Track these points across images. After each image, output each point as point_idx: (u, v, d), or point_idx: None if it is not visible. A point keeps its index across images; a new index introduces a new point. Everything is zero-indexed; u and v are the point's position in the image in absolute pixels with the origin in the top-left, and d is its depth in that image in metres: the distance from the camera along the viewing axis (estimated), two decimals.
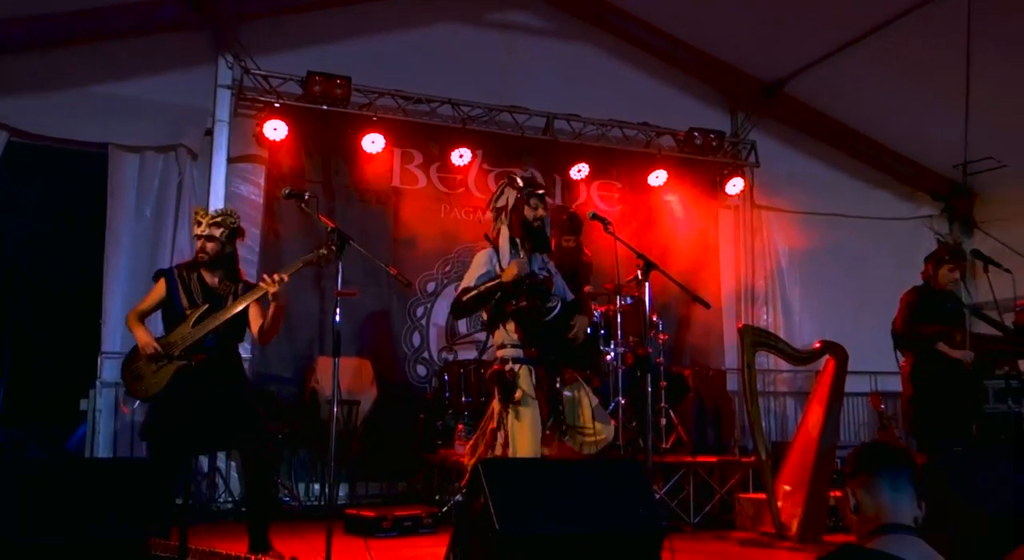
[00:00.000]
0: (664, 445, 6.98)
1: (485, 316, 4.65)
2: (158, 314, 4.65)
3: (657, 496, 6.34)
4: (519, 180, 4.65)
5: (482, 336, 8.11)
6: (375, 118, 7.57)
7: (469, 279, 4.53)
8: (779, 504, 5.73)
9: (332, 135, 7.70)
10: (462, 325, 8.10)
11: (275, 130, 7.26)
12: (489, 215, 4.82)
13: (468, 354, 8.00)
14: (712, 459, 6.95)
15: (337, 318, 3.98)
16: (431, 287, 8.02)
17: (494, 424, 4.37)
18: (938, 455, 5.14)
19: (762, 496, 5.99)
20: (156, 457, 4.54)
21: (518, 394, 4.23)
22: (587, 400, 4.46)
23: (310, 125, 7.57)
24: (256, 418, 4.68)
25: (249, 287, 4.66)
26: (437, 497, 6.62)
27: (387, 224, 7.85)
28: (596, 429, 4.42)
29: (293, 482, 7.07)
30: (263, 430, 4.77)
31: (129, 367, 4.49)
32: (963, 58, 7.10)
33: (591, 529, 3.14)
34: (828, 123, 9.29)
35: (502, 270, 4.45)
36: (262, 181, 7.52)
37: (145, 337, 4.46)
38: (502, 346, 4.48)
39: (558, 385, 4.40)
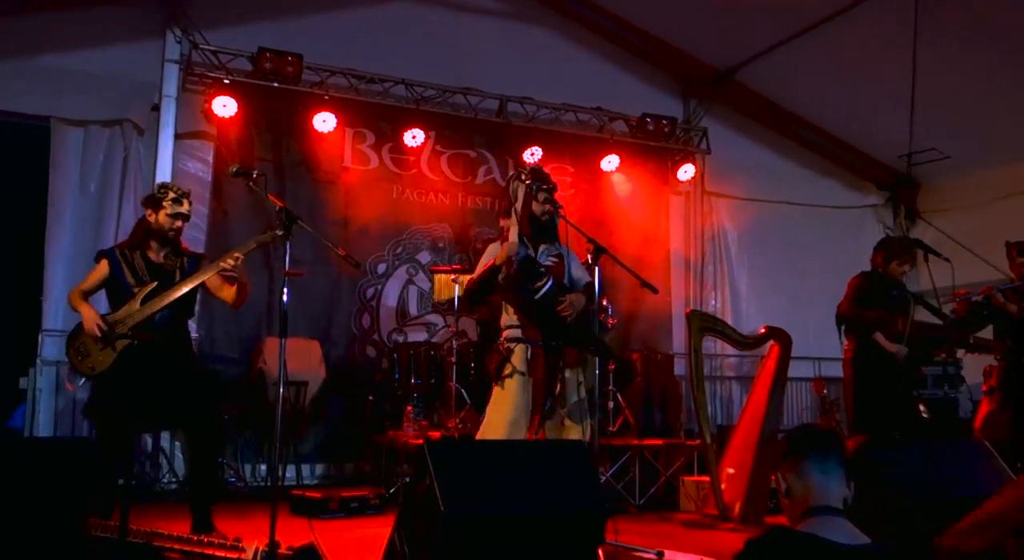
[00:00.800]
0: (611, 428, 7.06)
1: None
2: (102, 293, 4.60)
3: (603, 478, 6.41)
4: (527, 175, 4.69)
5: (433, 318, 8.12)
6: (327, 97, 7.48)
7: (477, 269, 4.64)
8: (722, 486, 5.83)
9: (283, 113, 7.59)
10: (412, 306, 8.09)
11: (224, 107, 7.14)
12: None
13: (419, 336, 7.99)
14: (658, 442, 7.04)
15: (285, 298, 3.93)
16: (382, 268, 7.98)
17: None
18: (872, 439, 5.26)
19: (706, 478, 6.10)
20: (100, 435, 4.48)
21: (507, 369, 4.28)
22: (573, 389, 4.49)
23: (260, 102, 7.46)
24: (204, 397, 4.65)
25: (196, 259, 4.68)
26: (385, 478, 6.62)
27: (338, 204, 7.77)
28: (574, 425, 4.48)
29: (239, 463, 7.00)
30: (210, 410, 4.74)
31: (74, 343, 4.44)
32: (910, 51, 7.24)
33: (535, 510, 3.16)
34: (778, 111, 9.40)
35: None
36: (210, 158, 7.40)
37: (90, 314, 4.41)
38: (506, 328, 4.56)
39: (560, 365, 4.43)
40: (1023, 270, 6.06)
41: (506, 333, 4.55)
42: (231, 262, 4.37)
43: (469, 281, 4.66)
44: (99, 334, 4.35)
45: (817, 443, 2.20)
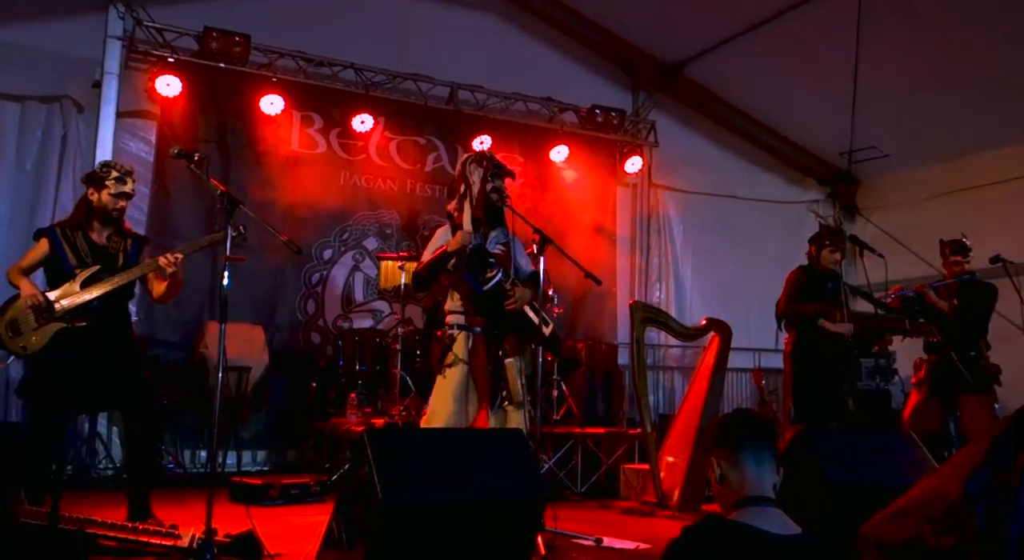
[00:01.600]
0: (555, 416, 7.12)
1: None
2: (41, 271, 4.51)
3: (546, 466, 6.48)
4: (486, 159, 4.69)
5: (379, 305, 8.10)
6: (275, 79, 7.39)
7: (427, 254, 4.60)
8: (661, 474, 5.93)
9: (229, 94, 7.48)
10: (358, 293, 8.05)
11: (168, 86, 7.01)
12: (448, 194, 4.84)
13: (364, 322, 7.96)
14: (600, 431, 7.12)
15: (225, 282, 3.89)
16: (327, 254, 7.92)
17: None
18: (807, 429, 5.39)
19: (646, 467, 6.19)
20: (32, 418, 4.40)
21: (449, 357, 4.29)
22: (513, 378, 4.52)
23: (206, 83, 7.34)
24: (142, 381, 4.58)
25: (140, 242, 4.60)
26: (327, 465, 6.60)
27: (284, 189, 7.68)
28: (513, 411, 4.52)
29: (178, 449, 6.92)
30: (149, 394, 4.68)
31: (3, 318, 4.32)
32: (852, 50, 7.38)
33: (473, 497, 3.19)
34: (724, 106, 9.52)
35: None
36: (153, 138, 7.27)
37: (30, 288, 4.33)
38: (449, 313, 4.54)
39: (501, 354, 4.44)
40: (955, 268, 6.25)
41: (449, 318, 4.54)
42: (172, 262, 4.31)
43: (419, 265, 4.63)
44: (35, 305, 4.26)
45: (753, 435, 2.22)
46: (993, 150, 8.29)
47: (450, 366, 4.30)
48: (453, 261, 4.45)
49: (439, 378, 4.35)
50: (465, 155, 4.82)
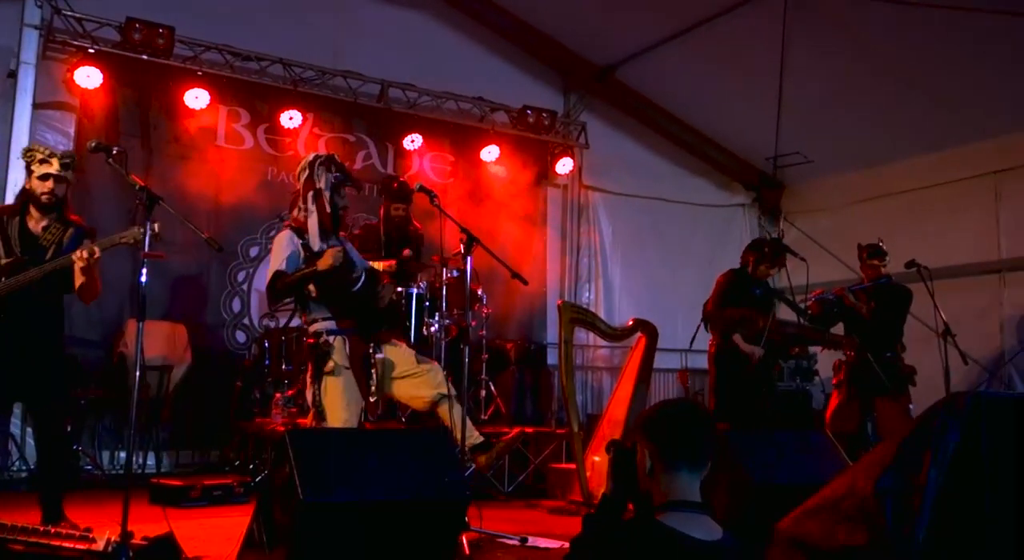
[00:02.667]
0: (483, 416, 7.11)
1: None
2: None
3: (473, 465, 6.46)
4: (334, 165, 4.61)
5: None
6: (200, 72, 7.24)
7: (277, 262, 4.45)
8: (588, 474, 5.98)
9: (152, 87, 7.31)
10: None
11: (88, 77, 6.81)
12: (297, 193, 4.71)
13: (291, 322, 7.84)
14: (528, 430, 7.13)
15: (143, 279, 3.79)
16: (254, 252, 7.79)
17: (310, 397, 4.36)
18: (728, 430, 5.50)
19: (573, 466, 6.23)
20: None
21: (329, 365, 4.22)
22: (402, 351, 4.50)
23: (128, 75, 7.15)
24: (58, 377, 4.40)
25: (79, 234, 4.37)
26: (252, 466, 6.49)
27: (209, 185, 7.52)
28: (425, 369, 4.50)
29: (96, 450, 6.74)
30: (62, 391, 4.50)
31: None
32: (778, 58, 7.54)
33: (395, 496, 3.17)
34: (655, 110, 9.63)
35: (308, 252, 4.42)
36: (71, 130, 7.05)
37: None
38: (314, 321, 4.45)
39: (371, 350, 4.41)
40: (872, 272, 6.45)
41: (318, 325, 4.44)
42: (85, 257, 4.09)
43: (273, 275, 4.47)
44: None
45: (694, 453, 2.17)
46: (911, 157, 8.54)
47: (331, 374, 4.25)
48: (323, 280, 4.37)
49: (323, 388, 4.28)
50: (312, 156, 4.67)
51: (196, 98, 7.23)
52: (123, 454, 6.79)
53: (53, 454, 4.42)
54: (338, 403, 4.21)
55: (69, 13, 6.83)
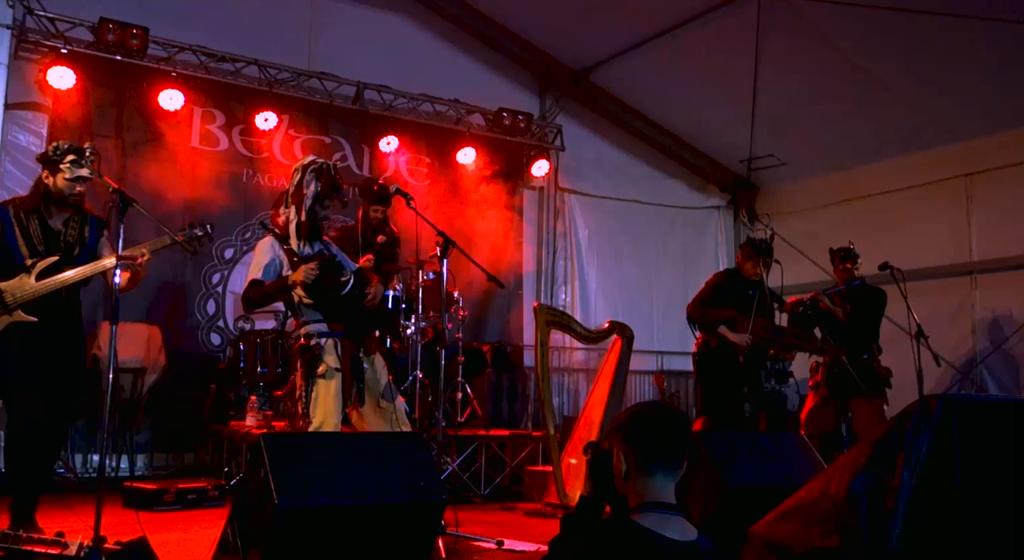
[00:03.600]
0: (459, 419, 7.11)
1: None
2: None
3: (450, 469, 6.46)
4: (324, 174, 4.54)
5: (282, 306, 7.91)
6: (174, 73, 7.19)
7: (255, 271, 4.41)
8: (564, 476, 5.99)
9: (126, 88, 7.24)
10: None
11: (61, 78, 6.75)
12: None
13: (266, 324, 7.78)
14: (505, 433, 7.15)
15: (117, 280, 3.76)
16: (229, 253, 7.74)
17: (298, 399, 4.33)
18: (702, 431, 5.55)
19: (549, 469, 6.24)
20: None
21: (321, 368, 4.21)
22: (380, 373, 4.48)
23: (101, 75, 7.09)
24: (80, 379, 4.34)
25: (99, 225, 4.34)
26: (226, 469, 6.45)
27: (184, 186, 7.47)
28: (390, 406, 4.47)
29: (69, 454, 6.65)
30: (80, 394, 4.43)
31: None
32: (752, 62, 7.59)
33: (370, 500, 3.16)
34: (630, 113, 9.67)
35: (292, 256, 4.40)
36: (44, 131, 6.97)
37: None
38: (305, 323, 4.42)
39: (361, 355, 4.40)
40: (845, 275, 6.51)
41: (308, 327, 4.40)
42: (139, 259, 4.10)
43: (249, 283, 4.44)
44: None
45: (668, 456, 2.18)
46: (882, 160, 8.62)
47: (324, 377, 4.24)
48: (299, 289, 4.35)
49: (314, 390, 4.26)
50: (309, 160, 4.60)
51: (171, 99, 7.18)
52: (96, 457, 6.72)
53: (49, 455, 4.35)
54: (329, 406, 4.18)
55: (42, 13, 6.76)
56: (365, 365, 4.40)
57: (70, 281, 4.15)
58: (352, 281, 4.43)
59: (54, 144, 4.34)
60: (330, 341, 4.30)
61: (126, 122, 7.31)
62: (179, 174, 7.46)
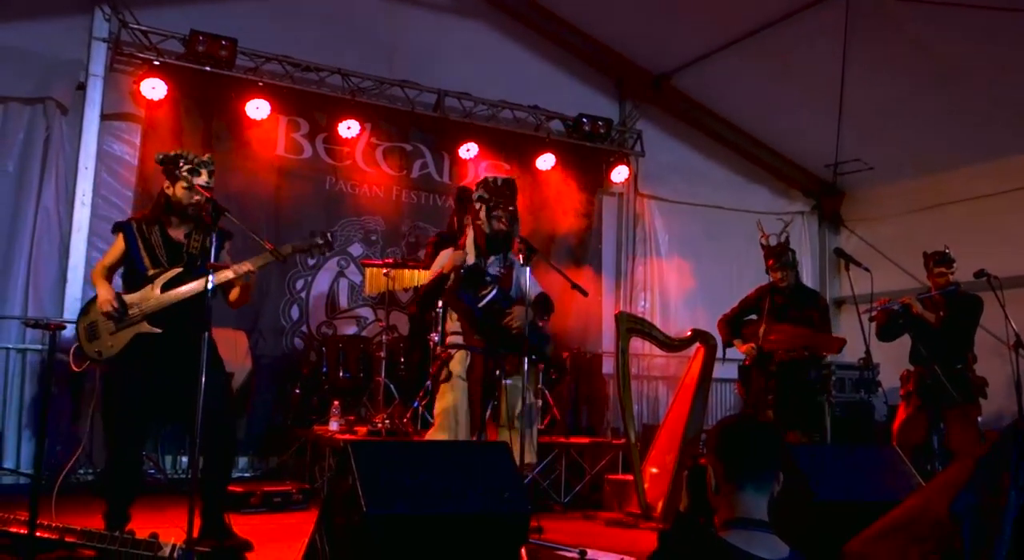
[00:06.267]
0: (540, 426, 7.08)
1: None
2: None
3: (529, 476, 6.45)
4: (489, 192, 4.83)
5: (363, 311, 8.06)
6: (261, 83, 7.35)
7: (430, 275, 4.72)
8: (645, 485, 5.91)
9: (215, 98, 7.43)
10: (343, 299, 8.01)
11: (153, 89, 6.96)
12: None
13: (348, 329, 7.92)
14: (584, 440, 7.10)
15: (210, 286, 3.84)
16: (312, 260, 7.88)
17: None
18: (792, 444, 5.43)
19: (630, 477, 6.17)
20: (114, 428, 4.26)
21: (444, 373, 4.28)
22: (516, 396, 4.51)
23: (191, 86, 7.29)
24: (219, 390, 4.25)
25: (221, 237, 4.33)
26: (309, 473, 6.55)
27: (269, 194, 7.65)
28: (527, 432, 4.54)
29: (160, 455, 6.85)
30: (224, 404, 4.39)
31: (83, 322, 4.19)
32: (839, 64, 7.42)
33: (458, 510, 3.17)
34: (711, 117, 9.55)
35: (467, 269, 4.67)
36: (137, 141, 7.21)
37: (105, 293, 4.16)
38: (450, 334, 4.60)
39: (497, 373, 4.44)
40: (939, 280, 6.29)
41: (449, 338, 4.59)
42: (252, 269, 4.22)
43: (422, 288, 4.73)
44: (110, 312, 4.10)
45: (757, 472, 2.13)
46: (975, 164, 8.36)
47: (446, 381, 4.30)
48: (448, 282, 4.47)
49: (439, 394, 4.36)
50: (482, 180, 5.00)
51: (257, 108, 7.35)
52: (184, 459, 6.90)
53: (220, 467, 4.32)
54: (447, 413, 4.25)
55: (135, 26, 6.99)
56: (508, 381, 4.43)
57: (195, 291, 4.17)
58: (493, 294, 4.46)
59: (175, 154, 4.39)
60: (460, 351, 4.38)
61: (215, 131, 7.50)
62: (265, 182, 7.64)
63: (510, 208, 4.90)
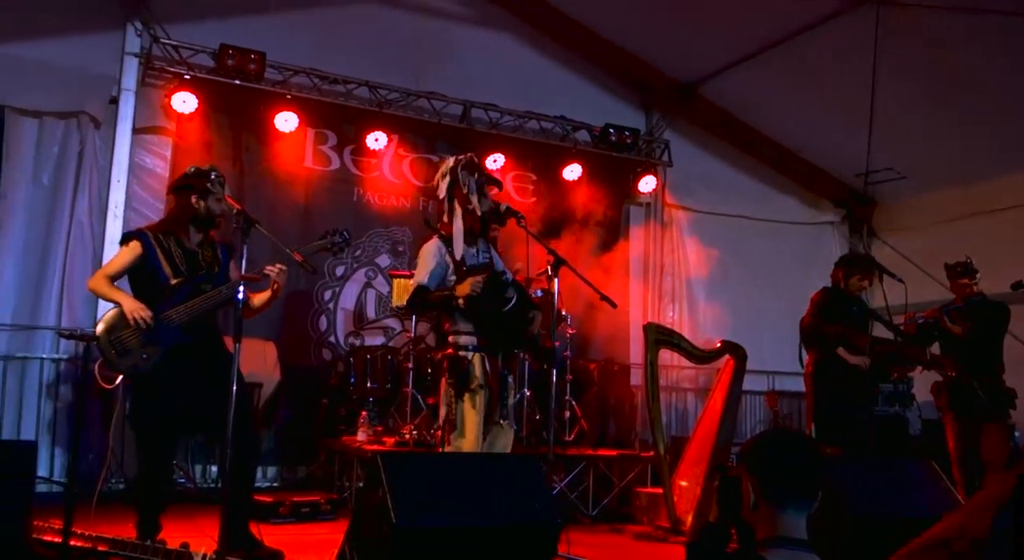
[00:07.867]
0: (567, 438, 7.06)
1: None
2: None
3: (557, 488, 6.42)
4: (474, 166, 4.55)
5: (391, 322, 8.07)
6: (289, 96, 7.41)
7: (422, 275, 4.46)
8: (675, 499, 5.85)
9: (244, 111, 7.51)
10: (370, 310, 8.03)
11: (184, 102, 7.04)
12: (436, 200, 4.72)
13: (376, 340, 7.93)
14: (612, 453, 7.05)
15: (240, 298, 3.86)
16: (340, 271, 7.92)
17: (446, 410, 4.34)
18: (828, 458, 5.33)
19: (659, 490, 6.12)
20: (146, 442, 4.26)
21: (473, 381, 4.22)
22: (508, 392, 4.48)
23: (221, 99, 7.36)
24: (242, 399, 4.19)
25: (227, 249, 4.40)
26: (337, 484, 6.56)
27: (298, 205, 7.70)
28: (506, 425, 4.46)
29: (189, 464, 6.90)
30: (248, 413, 4.44)
31: (110, 337, 4.06)
32: (868, 72, 7.34)
33: (487, 522, 3.15)
34: (739, 127, 9.49)
35: (454, 261, 4.42)
36: (168, 154, 7.30)
37: (133, 303, 4.07)
38: (455, 332, 4.43)
39: (505, 373, 4.41)
40: (964, 291, 6.20)
41: (463, 339, 4.40)
42: (276, 272, 4.21)
43: (416, 287, 4.45)
44: (147, 325, 4.04)
45: (799, 491, 2.08)
46: (1009, 174, 8.23)
47: (473, 391, 4.23)
48: (461, 302, 4.33)
49: (465, 404, 4.25)
50: (453, 160, 4.57)
51: (286, 121, 7.41)
52: (214, 468, 6.93)
53: (245, 473, 4.30)
54: (475, 421, 4.18)
55: (167, 41, 7.07)
56: (510, 380, 4.41)
57: (222, 297, 4.20)
58: (515, 302, 4.41)
59: (204, 169, 4.39)
60: (477, 356, 4.30)
61: (244, 144, 7.58)
62: (293, 194, 7.70)
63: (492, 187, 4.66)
